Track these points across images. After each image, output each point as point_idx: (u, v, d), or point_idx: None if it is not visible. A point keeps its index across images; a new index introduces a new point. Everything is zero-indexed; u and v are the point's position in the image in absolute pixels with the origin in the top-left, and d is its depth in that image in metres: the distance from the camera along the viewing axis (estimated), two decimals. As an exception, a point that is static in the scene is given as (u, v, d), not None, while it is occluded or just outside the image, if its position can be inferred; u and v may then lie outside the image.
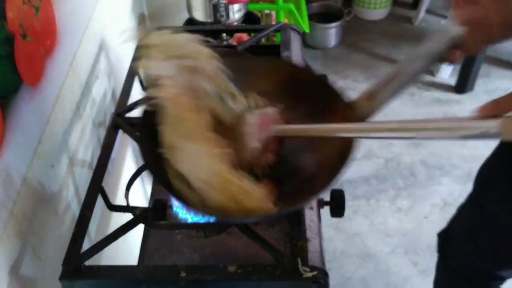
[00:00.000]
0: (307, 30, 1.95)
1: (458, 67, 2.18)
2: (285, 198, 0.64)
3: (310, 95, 0.73)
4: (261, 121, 0.68)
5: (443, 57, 0.65)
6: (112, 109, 1.01)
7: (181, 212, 0.75)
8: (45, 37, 0.77)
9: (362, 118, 0.64)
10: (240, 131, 0.68)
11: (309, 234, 0.68)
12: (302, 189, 0.67)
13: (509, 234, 0.91)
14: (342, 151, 0.65)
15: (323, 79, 0.75)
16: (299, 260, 0.64)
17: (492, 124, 0.51)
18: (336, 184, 0.62)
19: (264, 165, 0.68)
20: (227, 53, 0.79)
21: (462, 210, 1.07)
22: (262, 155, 0.68)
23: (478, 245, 1.00)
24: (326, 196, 0.77)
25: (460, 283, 1.13)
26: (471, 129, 0.54)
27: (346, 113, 0.66)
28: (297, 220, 0.69)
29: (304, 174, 0.69)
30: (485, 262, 1.02)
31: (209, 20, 1.33)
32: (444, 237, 1.14)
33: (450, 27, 0.62)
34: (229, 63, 0.71)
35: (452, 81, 2.24)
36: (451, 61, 0.65)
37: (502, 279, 1.05)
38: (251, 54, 0.97)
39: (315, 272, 0.63)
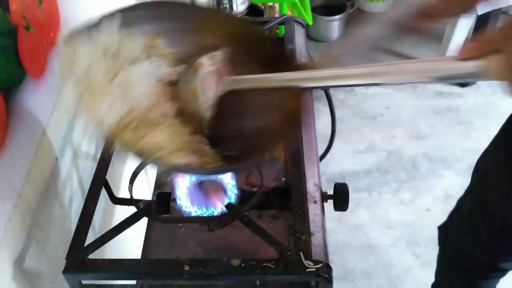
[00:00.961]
0: (310, 23, 1.94)
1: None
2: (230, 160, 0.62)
3: (260, 54, 0.67)
4: (214, 70, 0.64)
5: (411, 27, 0.61)
6: (115, 102, 1.01)
7: (185, 205, 0.75)
8: (48, 29, 0.76)
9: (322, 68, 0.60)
10: (191, 87, 0.64)
11: (312, 228, 0.68)
12: (246, 153, 0.63)
13: (507, 227, 0.91)
14: (288, 115, 0.62)
15: (272, 37, 0.72)
16: (302, 254, 0.64)
17: (469, 64, 0.48)
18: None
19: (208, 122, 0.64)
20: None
21: (461, 204, 1.07)
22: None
23: (478, 238, 1.00)
24: (329, 189, 0.77)
25: (461, 275, 1.13)
26: (448, 70, 0.50)
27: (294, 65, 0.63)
28: (301, 214, 0.69)
29: (252, 138, 0.66)
30: (486, 255, 1.02)
31: (212, 12, 1.33)
32: (444, 230, 1.14)
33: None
34: (170, 11, 0.68)
35: (455, 74, 2.23)
36: (419, 31, 0.61)
37: (504, 271, 1.05)
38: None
39: (319, 266, 0.63)
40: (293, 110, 0.62)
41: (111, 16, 0.68)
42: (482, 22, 1.98)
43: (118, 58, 0.65)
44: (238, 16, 0.80)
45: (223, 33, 0.70)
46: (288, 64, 0.65)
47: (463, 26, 2.09)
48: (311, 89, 0.62)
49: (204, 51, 0.66)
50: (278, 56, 0.67)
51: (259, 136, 0.64)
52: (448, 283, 1.22)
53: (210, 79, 0.63)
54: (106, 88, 0.62)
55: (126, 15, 0.69)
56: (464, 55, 0.48)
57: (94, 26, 0.66)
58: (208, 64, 0.64)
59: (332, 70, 0.58)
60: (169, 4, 0.72)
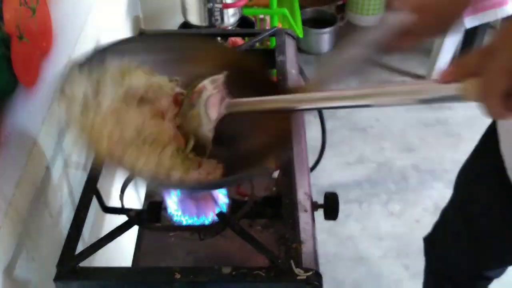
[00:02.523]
0: (301, 35, 1.96)
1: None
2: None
3: (254, 82, 0.70)
4: (216, 92, 0.66)
5: (392, 46, 0.64)
6: (106, 112, 1.01)
7: (176, 214, 0.75)
8: (41, 39, 0.77)
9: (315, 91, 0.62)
10: (194, 110, 0.66)
11: (303, 236, 0.68)
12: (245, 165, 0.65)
13: (489, 235, 0.93)
14: (278, 136, 0.64)
15: (264, 68, 0.74)
16: (292, 262, 0.64)
17: (453, 86, 0.49)
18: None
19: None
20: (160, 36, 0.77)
21: (445, 214, 1.09)
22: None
23: (461, 248, 1.02)
24: (320, 199, 0.78)
25: (447, 285, 1.14)
26: (431, 92, 0.51)
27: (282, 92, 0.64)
28: (292, 222, 0.70)
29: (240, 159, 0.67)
30: (470, 264, 1.04)
31: (204, 24, 1.34)
32: (430, 241, 1.16)
33: (398, 14, 0.62)
34: (163, 43, 0.71)
35: (444, 87, 2.26)
36: (400, 49, 0.64)
37: (489, 279, 1.07)
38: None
39: (309, 274, 0.63)
40: (283, 130, 0.65)
41: (103, 50, 0.71)
42: (470, 36, 2.01)
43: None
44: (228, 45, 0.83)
45: (216, 63, 0.72)
46: (281, 89, 0.67)
47: (452, 40, 2.13)
48: (305, 111, 0.64)
49: (199, 79, 0.68)
50: (270, 83, 0.70)
51: (251, 157, 0.66)
52: None
53: (213, 102, 0.65)
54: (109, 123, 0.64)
55: (118, 48, 0.72)
56: (445, 79, 0.50)
57: (88, 61, 0.67)
58: (211, 87, 0.66)
59: (325, 93, 0.60)
60: (160, 36, 0.74)
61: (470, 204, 0.96)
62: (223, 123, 0.66)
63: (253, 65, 0.73)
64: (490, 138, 0.86)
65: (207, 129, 0.65)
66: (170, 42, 0.74)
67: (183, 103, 0.68)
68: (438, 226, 1.13)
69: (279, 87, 0.69)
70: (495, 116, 0.48)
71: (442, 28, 0.64)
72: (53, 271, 0.66)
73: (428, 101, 0.52)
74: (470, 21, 1.86)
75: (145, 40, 0.74)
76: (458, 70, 0.49)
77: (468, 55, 0.50)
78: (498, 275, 1.05)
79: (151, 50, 0.73)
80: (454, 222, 1.02)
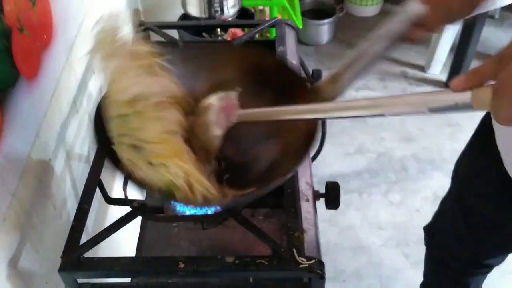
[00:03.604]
0: (300, 26, 1.96)
1: (449, 63, 2.21)
2: (249, 186, 0.63)
3: (272, 81, 0.71)
4: (222, 107, 0.66)
5: (405, 37, 0.64)
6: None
7: (179, 204, 0.75)
8: (42, 31, 0.77)
9: (327, 101, 0.64)
10: (201, 120, 0.66)
11: (305, 225, 0.69)
12: (266, 176, 0.66)
13: (487, 224, 0.94)
14: (306, 135, 0.64)
15: (284, 63, 0.74)
16: (295, 250, 0.65)
17: (462, 96, 0.49)
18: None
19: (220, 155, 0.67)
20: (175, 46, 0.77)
21: (444, 204, 1.10)
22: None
23: (461, 238, 1.02)
24: (321, 188, 0.78)
25: (448, 273, 1.15)
26: (441, 101, 0.51)
27: (310, 98, 0.65)
28: (294, 211, 0.70)
29: (266, 162, 0.69)
30: (469, 253, 1.05)
31: (203, 16, 1.34)
32: (430, 231, 1.17)
33: (410, 5, 0.62)
34: (183, 54, 0.71)
35: (443, 77, 2.26)
36: (412, 41, 0.64)
37: (489, 267, 1.08)
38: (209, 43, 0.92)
39: (312, 262, 0.64)
40: (309, 132, 0.64)
41: None
42: (469, 25, 2.01)
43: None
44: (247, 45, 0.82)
45: (235, 66, 0.73)
46: (300, 88, 0.68)
47: (450, 30, 2.12)
48: (316, 120, 0.65)
49: (219, 86, 0.69)
50: (291, 80, 0.70)
51: (274, 162, 0.67)
52: (436, 282, 1.24)
53: (220, 114, 0.66)
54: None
55: None
56: (458, 87, 0.50)
57: None
58: (218, 103, 0.67)
59: (337, 103, 0.61)
60: (180, 48, 0.73)
61: (468, 194, 0.96)
62: (237, 127, 0.66)
63: (273, 61, 0.73)
64: (485, 129, 0.86)
65: (215, 135, 0.65)
66: (189, 51, 0.74)
67: (191, 118, 0.68)
68: (437, 216, 1.14)
69: (300, 85, 0.68)
70: (507, 123, 0.48)
71: (454, 18, 0.64)
72: (57, 262, 0.67)
73: (440, 109, 0.52)
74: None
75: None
76: (471, 78, 0.49)
77: (482, 63, 0.50)
78: (498, 263, 1.06)
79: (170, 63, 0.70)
80: (452, 212, 1.03)
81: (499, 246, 0.98)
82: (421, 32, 0.63)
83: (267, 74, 0.71)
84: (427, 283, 1.30)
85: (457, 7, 0.60)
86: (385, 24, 0.63)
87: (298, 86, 0.69)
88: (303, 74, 1.03)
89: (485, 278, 1.15)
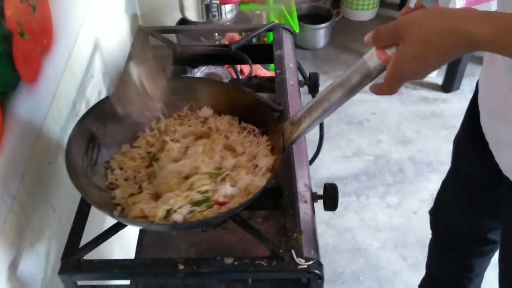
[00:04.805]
0: (297, 31, 1.97)
1: (444, 67, 2.22)
2: None
3: (252, 115, 0.79)
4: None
5: (363, 87, 0.67)
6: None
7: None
8: (42, 36, 0.78)
9: (286, 142, 0.72)
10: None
11: (303, 226, 0.69)
12: None
13: (484, 196, 0.99)
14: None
15: (264, 105, 0.80)
16: (293, 251, 0.66)
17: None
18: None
19: None
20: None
21: (445, 183, 1.14)
22: None
23: (461, 209, 1.06)
24: (318, 192, 0.79)
25: (453, 257, 1.18)
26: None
27: (276, 133, 0.73)
28: (292, 213, 0.71)
29: None
30: (473, 227, 1.08)
31: (201, 20, 1.35)
32: (434, 212, 1.20)
33: (372, 58, 0.63)
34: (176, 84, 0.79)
35: (439, 80, 2.28)
36: (374, 92, 0.66)
37: (493, 243, 1.10)
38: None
39: (310, 263, 0.64)
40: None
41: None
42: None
43: None
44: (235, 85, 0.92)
45: (220, 101, 0.82)
46: (271, 123, 0.75)
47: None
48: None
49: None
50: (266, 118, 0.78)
51: None
52: (440, 272, 1.25)
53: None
54: None
55: None
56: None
57: None
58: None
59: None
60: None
61: (461, 163, 1.03)
62: None
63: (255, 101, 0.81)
64: (473, 110, 0.92)
65: None
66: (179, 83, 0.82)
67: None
68: (440, 196, 1.17)
69: (274, 123, 0.76)
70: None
71: (407, 80, 0.66)
72: (57, 264, 0.67)
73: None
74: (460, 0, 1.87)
75: None
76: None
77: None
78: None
79: None
80: (453, 188, 1.08)
81: (496, 213, 0.99)
82: (379, 88, 0.65)
83: (247, 109, 0.80)
84: (430, 276, 1.30)
85: (410, 76, 0.62)
86: (346, 73, 0.66)
87: (270, 122, 0.76)
88: (300, 77, 1.04)
89: (488, 263, 1.18)
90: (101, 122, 0.76)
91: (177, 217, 0.66)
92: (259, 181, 0.70)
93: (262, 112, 0.78)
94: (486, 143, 0.86)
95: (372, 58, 0.63)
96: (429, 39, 0.56)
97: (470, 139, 0.96)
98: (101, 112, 0.76)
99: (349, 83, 0.66)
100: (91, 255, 0.69)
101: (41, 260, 0.75)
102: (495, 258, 1.15)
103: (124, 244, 0.99)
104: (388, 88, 0.63)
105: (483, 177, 0.95)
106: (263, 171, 0.72)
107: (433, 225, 1.22)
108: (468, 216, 1.06)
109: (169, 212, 0.66)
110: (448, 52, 0.57)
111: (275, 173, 0.70)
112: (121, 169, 0.76)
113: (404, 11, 0.62)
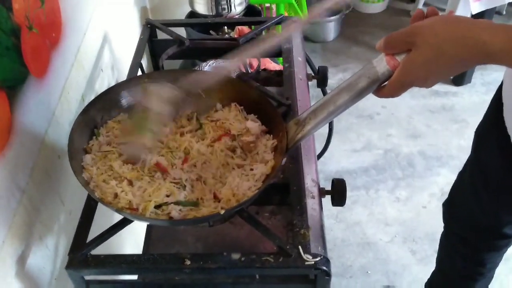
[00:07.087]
0: (306, 23, 1.96)
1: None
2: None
3: (260, 110, 0.79)
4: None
5: (370, 92, 0.66)
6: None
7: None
8: (50, 29, 0.77)
9: (290, 142, 0.71)
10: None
11: (311, 222, 0.69)
12: None
13: (505, 188, 0.96)
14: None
15: (270, 103, 0.80)
16: (301, 247, 0.65)
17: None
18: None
19: None
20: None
21: (462, 175, 1.11)
22: None
23: (480, 201, 1.03)
24: (327, 185, 0.79)
25: (465, 251, 1.16)
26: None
27: (281, 132, 0.73)
28: (299, 208, 0.70)
29: None
30: (489, 219, 1.05)
31: (210, 13, 1.34)
32: (449, 204, 1.18)
33: (380, 64, 0.63)
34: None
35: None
36: (376, 94, 0.66)
37: (507, 238, 1.08)
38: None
39: (317, 259, 0.64)
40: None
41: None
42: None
43: None
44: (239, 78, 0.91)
45: (227, 95, 0.82)
46: (279, 124, 0.75)
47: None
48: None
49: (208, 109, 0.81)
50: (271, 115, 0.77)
51: None
52: (451, 265, 1.24)
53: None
54: None
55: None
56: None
57: None
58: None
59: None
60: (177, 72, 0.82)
61: (482, 153, 1.00)
62: None
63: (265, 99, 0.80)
64: (497, 101, 0.90)
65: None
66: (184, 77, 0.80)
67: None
68: (456, 187, 1.15)
69: (278, 119, 0.75)
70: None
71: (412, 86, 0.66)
72: (66, 258, 0.67)
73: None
74: (477, 7, 1.85)
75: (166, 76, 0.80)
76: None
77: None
78: None
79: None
80: (472, 179, 1.05)
81: None
82: (380, 90, 0.65)
83: (255, 104, 0.79)
84: (441, 270, 1.29)
85: (416, 82, 0.61)
86: (353, 76, 0.66)
87: (275, 119, 0.76)
88: (309, 70, 1.03)
89: (501, 258, 1.16)
90: (106, 112, 0.76)
91: (173, 213, 0.66)
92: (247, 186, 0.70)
93: (267, 109, 0.77)
94: (509, 136, 0.85)
95: (381, 63, 0.63)
96: (442, 46, 0.56)
97: (494, 129, 0.94)
98: (106, 102, 0.76)
99: (356, 87, 0.65)
100: (102, 249, 0.69)
101: (50, 253, 0.76)
102: (507, 254, 1.15)
103: (132, 239, 1.00)
104: (391, 91, 0.63)
105: (505, 167, 0.94)
106: (257, 177, 0.71)
107: (446, 217, 1.20)
108: (486, 208, 1.04)
109: (161, 207, 0.67)
110: (461, 62, 0.56)
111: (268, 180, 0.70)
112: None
113: (414, 16, 0.62)
